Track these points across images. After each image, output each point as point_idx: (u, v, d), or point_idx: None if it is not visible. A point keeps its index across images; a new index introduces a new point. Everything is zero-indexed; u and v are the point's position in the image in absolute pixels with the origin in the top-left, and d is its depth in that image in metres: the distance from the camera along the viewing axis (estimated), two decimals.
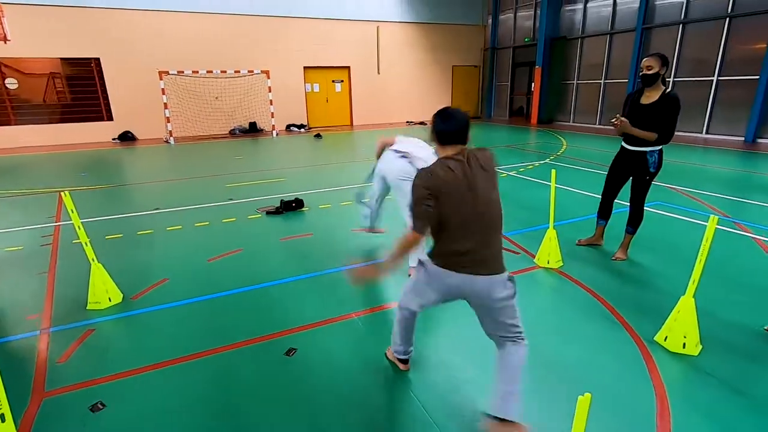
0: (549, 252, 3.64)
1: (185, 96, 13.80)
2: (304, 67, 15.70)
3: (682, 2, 11.49)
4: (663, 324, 2.59)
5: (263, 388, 2.24)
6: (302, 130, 15.56)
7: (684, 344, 2.44)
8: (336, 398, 2.16)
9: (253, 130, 14.94)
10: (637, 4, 12.53)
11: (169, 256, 4.12)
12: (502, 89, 18.90)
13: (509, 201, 5.70)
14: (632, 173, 3.65)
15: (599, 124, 14.47)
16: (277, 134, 14.22)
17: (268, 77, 13.82)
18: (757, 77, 10.00)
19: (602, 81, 14.15)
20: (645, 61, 3.36)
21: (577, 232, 4.41)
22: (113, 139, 13.26)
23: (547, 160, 8.60)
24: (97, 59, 12.79)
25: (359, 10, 16.01)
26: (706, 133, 11.35)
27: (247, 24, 14.26)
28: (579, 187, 6.31)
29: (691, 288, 2.42)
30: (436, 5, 17.29)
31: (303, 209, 5.52)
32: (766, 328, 2.65)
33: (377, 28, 16.50)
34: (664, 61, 3.32)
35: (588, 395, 1.01)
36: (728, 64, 10.70)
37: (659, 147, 3.45)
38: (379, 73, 17.09)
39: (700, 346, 2.46)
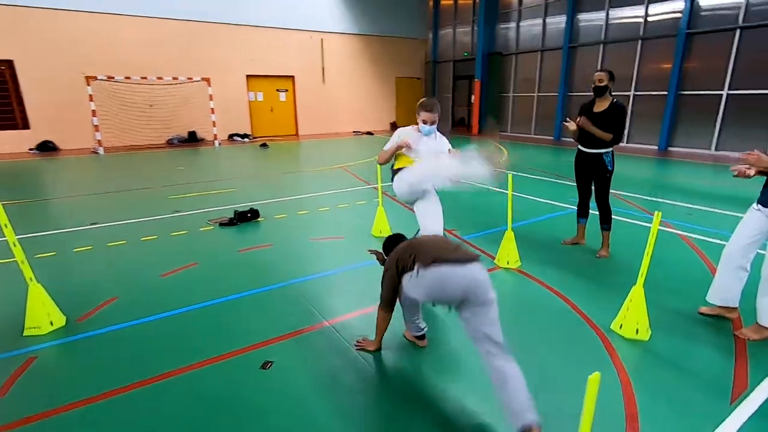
0: (508, 253, 3.83)
1: (116, 103, 12.84)
2: (247, 76, 15.28)
3: (602, 25, 12.72)
4: (617, 313, 2.83)
5: (241, 406, 2.13)
6: (246, 140, 15.08)
7: (637, 330, 2.68)
8: (325, 404, 2.11)
9: (192, 139, 14.22)
10: (563, 25, 13.67)
11: (116, 272, 3.80)
12: (444, 101, 19.61)
13: (464, 206, 5.93)
14: (593, 174, 3.99)
15: (534, 133, 15.50)
16: (219, 144, 13.65)
17: (209, 85, 13.28)
18: (666, 93, 11.29)
19: (535, 94, 15.20)
20: (597, 75, 3.74)
21: (531, 233, 4.67)
22: (30, 149, 11.99)
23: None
24: (10, 61, 11.55)
25: (303, 21, 15.94)
26: (627, 142, 12.57)
27: (185, 29, 13.63)
28: (526, 193, 6.71)
29: (641, 279, 2.67)
30: (379, 18, 17.67)
31: (259, 219, 5.35)
32: (699, 311, 2.98)
33: (321, 39, 16.51)
34: (612, 76, 3.76)
35: (597, 374, 1.08)
36: (643, 80, 11.99)
37: (611, 148, 3.84)
38: (324, 83, 17.07)
39: (650, 332, 2.71)
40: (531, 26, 15.01)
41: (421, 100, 3.31)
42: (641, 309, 2.68)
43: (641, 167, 9.34)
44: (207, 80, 13.29)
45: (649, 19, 11.60)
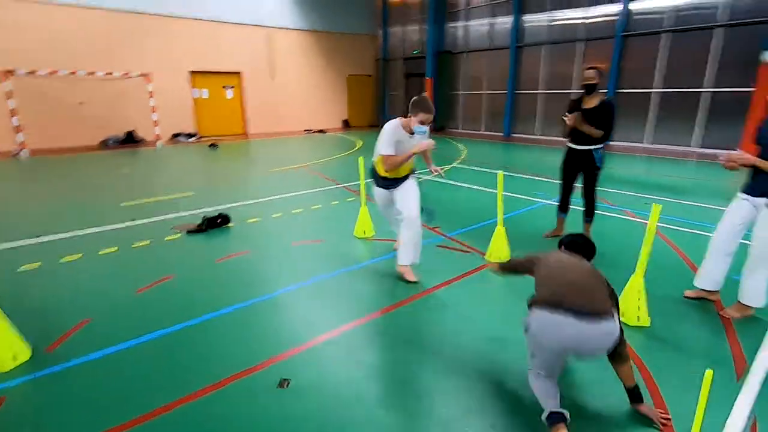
0: (499, 248, 3.88)
1: (41, 101, 11.51)
2: (191, 72, 14.36)
3: (546, 26, 13.39)
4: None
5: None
6: (192, 139, 14.18)
7: (638, 317, 2.81)
8: (358, 418, 1.98)
9: (130, 140, 13.13)
10: (510, 25, 14.22)
11: (82, 291, 3.36)
12: (395, 98, 19.73)
13: (440, 204, 5.95)
14: (582, 169, 4.12)
15: (484, 130, 16.02)
16: (162, 145, 12.70)
17: (149, 81, 12.30)
18: (606, 91, 12.12)
19: (484, 92, 15.71)
20: (587, 73, 3.86)
21: (510, 228, 4.76)
22: None
23: (454, 164, 9.21)
24: None
25: (250, 14, 15.26)
26: None
27: (121, 20, 12.51)
28: (493, 188, 6.87)
29: (640, 268, 2.80)
30: (328, 14, 17.35)
31: (229, 225, 5.01)
32: (685, 294, 3.19)
33: (269, 33, 15.91)
34: (602, 74, 3.86)
35: (710, 371, 1.08)
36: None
37: (601, 145, 3.97)
38: (273, 79, 16.48)
39: (649, 318, 2.86)
40: (479, 26, 15.47)
41: (418, 100, 3.22)
42: (641, 297, 2.81)
43: None
44: (146, 76, 12.29)
45: (589, 21, 12.38)
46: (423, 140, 3.35)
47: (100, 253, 4.15)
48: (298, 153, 11.58)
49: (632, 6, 11.38)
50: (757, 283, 2.81)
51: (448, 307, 3.08)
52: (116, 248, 4.26)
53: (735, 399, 2.12)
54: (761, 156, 2.79)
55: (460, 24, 16.04)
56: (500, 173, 3.79)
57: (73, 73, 11.35)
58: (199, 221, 4.94)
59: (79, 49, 11.86)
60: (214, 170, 9.07)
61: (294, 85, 17.07)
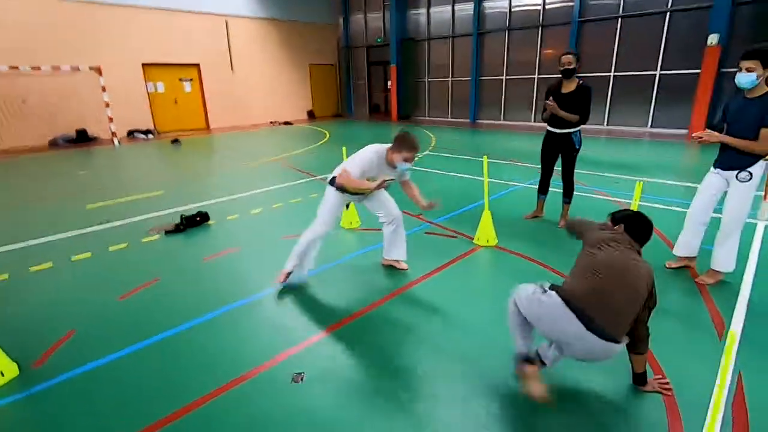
0: (486, 232, 3.98)
1: None
2: (143, 64, 13.60)
3: (506, 12, 13.63)
4: None
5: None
6: (150, 136, 13.50)
7: None
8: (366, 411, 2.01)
9: (82, 139, 12.35)
10: (471, 12, 14.37)
11: (61, 301, 3.17)
12: (359, 87, 19.56)
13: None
14: (561, 152, 4.26)
15: (451, 117, 16.22)
16: (119, 142, 12.02)
17: (101, 75, 11.55)
18: None
19: (449, 79, 15.86)
20: (565, 58, 3.96)
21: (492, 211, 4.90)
22: None
23: (427, 151, 9.29)
24: None
25: (205, 2, 14.57)
26: (534, 121, 13.77)
27: (66, 10, 11.62)
28: (468, 173, 7.01)
29: None
30: (287, 2, 16.86)
31: (209, 223, 4.85)
32: (666, 266, 3.41)
33: (226, 22, 15.29)
34: (578, 58, 3.97)
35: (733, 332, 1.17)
36: (544, 64, 13.16)
37: (579, 128, 4.11)
38: (233, 70, 15.90)
39: None
40: (441, 13, 15.52)
41: (403, 137, 3.01)
42: None
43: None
44: (98, 69, 11.54)
45: (547, 7, 12.71)
46: (404, 175, 3.22)
47: (72, 259, 3.92)
48: (267, 146, 11.30)
49: None
50: (728, 250, 3.05)
51: (443, 292, 3.15)
52: (89, 254, 4.03)
53: (720, 357, 2.30)
54: (728, 132, 2.99)
55: (422, 11, 16.03)
56: (485, 157, 3.87)
57: (14, 68, 10.48)
58: (176, 220, 4.76)
59: (20, 42, 10.94)
60: (182, 167, 8.70)
61: (255, 77, 16.56)
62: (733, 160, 2.98)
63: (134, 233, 4.56)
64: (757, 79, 2.83)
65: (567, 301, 1.80)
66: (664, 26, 10.64)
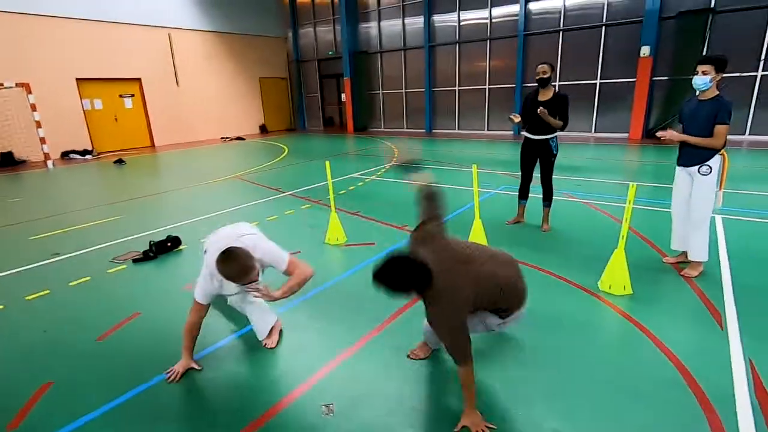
0: (478, 240, 3.99)
1: None
2: (78, 80, 12.59)
3: (455, 26, 14.12)
4: (599, 275, 3.23)
5: None
6: (88, 156, 12.46)
7: (624, 287, 3.09)
8: None
9: (9, 162, 11.17)
10: (422, 25, 14.74)
11: (28, 348, 2.74)
12: (312, 100, 19.35)
13: (398, 203, 5.97)
14: (539, 157, 4.37)
15: (407, 127, 16.44)
16: (53, 165, 10.97)
17: (29, 92, 10.51)
18: (514, 86, 13.18)
19: (404, 90, 16.11)
20: (540, 68, 4.10)
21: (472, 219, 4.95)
22: None
23: (393, 162, 9.30)
24: None
25: (145, 14, 13.82)
26: (487, 129, 14.30)
27: None
28: (443, 183, 7.06)
29: (622, 242, 3.08)
30: (234, 15, 16.42)
31: (180, 248, 4.48)
32: (664, 261, 3.59)
33: (169, 35, 14.57)
34: (553, 68, 4.13)
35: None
36: (494, 75, 13.74)
37: (556, 134, 4.26)
38: (178, 85, 15.14)
39: (630, 286, 3.16)
40: (392, 26, 15.79)
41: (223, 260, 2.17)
42: (624, 268, 3.10)
43: (505, 149, 10.75)
44: (25, 86, 10.48)
45: (494, 21, 13.33)
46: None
47: (27, 298, 3.45)
48: (224, 163, 10.79)
49: (530, 6, 12.49)
50: (700, 241, 3.28)
51: None
52: (48, 291, 3.57)
53: (728, 346, 2.43)
54: (684, 132, 3.27)
55: (372, 24, 16.22)
56: (474, 167, 3.90)
57: None
58: (141, 248, 4.36)
59: None
60: (133, 188, 8.05)
61: (203, 91, 15.87)
62: (693, 156, 3.25)
63: (95, 264, 4.11)
64: (711, 81, 3.10)
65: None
66: (600, 39, 11.51)
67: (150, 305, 3.26)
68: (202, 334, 2.53)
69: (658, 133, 3.38)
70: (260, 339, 2.67)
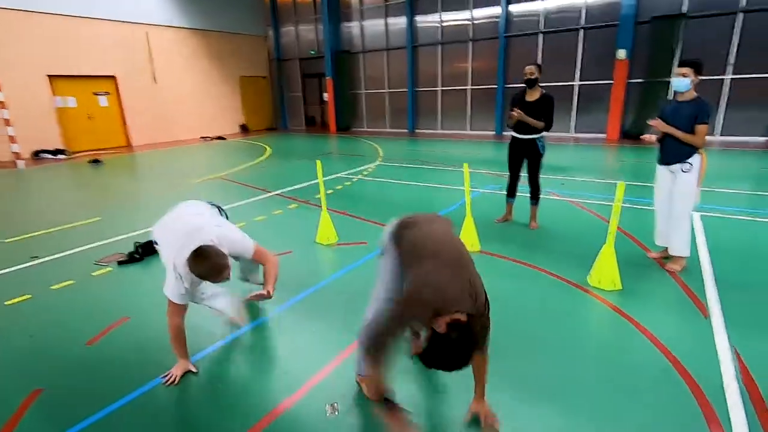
0: (469, 237, 4.04)
1: None
2: (50, 76, 12.13)
3: (438, 27, 14.23)
4: (587, 270, 3.32)
5: None
6: (61, 156, 12.02)
7: (613, 282, 3.18)
8: None
9: None
10: (404, 25, 14.79)
11: (13, 353, 2.63)
12: (294, 100, 19.17)
13: (386, 201, 5.98)
14: (527, 157, 4.45)
15: (389, 127, 16.48)
16: (24, 165, 10.53)
17: None
18: (496, 86, 13.37)
19: (386, 90, 16.14)
20: (527, 69, 4.18)
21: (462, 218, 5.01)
22: None
23: (377, 162, 9.31)
24: None
25: (120, 9, 13.41)
26: (470, 129, 14.47)
27: None
28: (426, 182, 7.13)
29: (610, 239, 3.17)
30: (213, 12, 16.11)
31: None
32: (648, 255, 3.71)
33: (147, 32, 14.19)
34: (540, 69, 4.20)
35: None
36: (476, 76, 13.91)
37: (542, 134, 4.33)
38: (156, 83, 14.76)
39: (620, 282, 3.25)
40: (374, 26, 15.79)
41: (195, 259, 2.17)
42: (613, 264, 3.19)
43: (489, 149, 10.91)
44: None
45: (476, 23, 13.49)
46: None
47: (7, 303, 3.30)
48: (205, 163, 10.58)
49: (511, 8, 12.70)
50: (682, 236, 3.41)
51: None
52: (30, 295, 3.43)
53: (713, 335, 2.54)
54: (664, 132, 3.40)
55: (355, 24, 16.19)
56: (465, 165, 3.94)
57: None
58: (125, 249, 4.25)
59: None
60: (112, 189, 7.81)
61: (181, 89, 15.52)
62: (675, 155, 3.39)
63: (78, 267, 3.98)
64: (690, 83, 3.23)
65: None
66: (578, 42, 11.80)
67: (139, 308, 3.18)
68: (197, 337, 2.48)
69: (649, 121, 3.50)
70: (233, 318, 2.72)
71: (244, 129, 18.03)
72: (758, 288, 3.12)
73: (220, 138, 15.84)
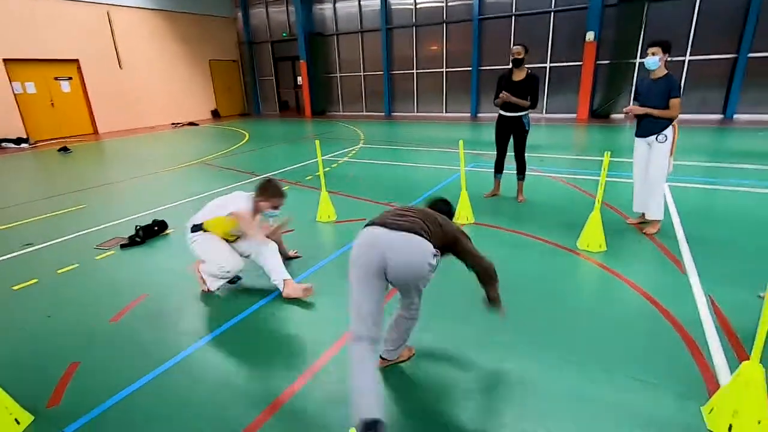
0: (465, 210, 4.28)
1: None
2: (5, 60, 11.44)
3: (412, 8, 14.26)
4: (576, 236, 3.63)
5: None
6: (24, 145, 11.46)
7: (600, 244, 3.50)
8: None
9: None
10: (378, 7, 14.72)
11: (33, 335, 2.66)
12: (266, 84, 18.80)
13: (380, 182, 6.13)
14: (513, 133, 4.68)
15: (365, 111, 16.49)
16: None
17: None
18: (470, 69, 13.61)
19: (362, 73, 16.09)
20: (514, 49, 4.37)
21: (455, 193, 5.24)
22: None
23: (360, 145, 9.41)
24: None
25: None
26: (446, 112, 14.71)
27: None
28: (414, 162, 7.32)
29: (597, 206, 3.48)
30: None
31: (167, 232, 4.40)
32: (627, 221, 4.05)
33: (108, 12, 13.52)
34: (527, 50, 4.40)
35: None
36: (451, 58, 14.09)
37: (528, 112, 4.57)
38: (121, 67, 14.15)
39: (605, 244, 3.57)
40: (348, 8, 15.62)
41: (268, 185, 3.02)
42: (599, 228, 3.50)
43: (466, 130, 11.20)
44: None
45: (449, 5, 13.60)
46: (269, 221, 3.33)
47: (14, 288, 3.29)
48: (183, 148, 10.35)
49: None
50: (657, 201, 3.77)
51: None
52: (34, 280, 3.42)
53: (689, 282, 2.89)
54: (642, 106, 3.71)
55: (327, 5, 15.95)
56: (461, 142, 4.15)
57: None
58: (120, 234, 4.25)
59: None
60: (90, 177, 7.57)
61: (148, 74, 14.95)
62: (651, 128, 3.72)
63: (79, 252, 3.96)
64: (659, 61, 3.55)
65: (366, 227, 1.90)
66: (550, 24, 12.15)
67: (157, 286, 3.24)
68: (201, 321, 2.60)
69: (624, 108, 3.81)
70: (274, 280, 2.99)
71: (216, 115, 17.60)
72: (720, 244, 3.51)
73: (191, 124, 15.43)
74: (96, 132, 13.77)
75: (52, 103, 12.75)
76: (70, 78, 13.06)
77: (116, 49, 13.94)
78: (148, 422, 1.94)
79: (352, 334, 1.76)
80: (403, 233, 1.78)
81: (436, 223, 1.92)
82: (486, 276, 2.03)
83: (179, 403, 2.04)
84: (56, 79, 12.76)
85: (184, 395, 2.09)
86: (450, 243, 1.96)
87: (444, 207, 2.23)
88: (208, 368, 2.29)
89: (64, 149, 10.28)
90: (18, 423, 1.90)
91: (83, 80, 13.25)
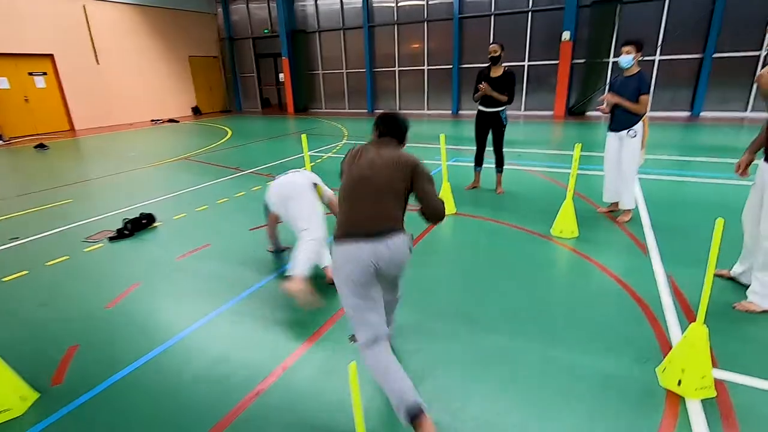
0: (447, 201, 4.47)
1: None
2: None
3: (393, 7, 14.41)
4: (550, 223, 3.87)
5: None
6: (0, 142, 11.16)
7: (572, 231, 3.74)
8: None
9: None
10: (360, 4, 14.81)
11: (29, 322, 2.72)
12: (248, 81, 18.67)
13: None
14: (491, 128, 4.89)
15: (348, 108, 16.58)
16: None
17: None
18: (451, 66, 13.86)
19: (344, 71, 16.16)
20: (492, 47, 4.59)
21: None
22: None
23: (344, 141, 9.53)
24: None
25: None
26: (428, 109, 14.94)
27: None
28: None
29: (569, 193, 3.71)
30: None
31: (155, 225, 4.46)
32: (598, 211, 4.31)
33: (83, 6, 13.24)
34: (503, 48, 4.62)
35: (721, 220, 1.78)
36: (432, 56, 14.30)
37: (505, 107, 4.79)
38: (98, 63, 13.88)
39: (577, 230, 3.82)
40: (330, 5, 15.66)
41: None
42: (572, 216, 3.74)
43: (447, 127, 11.45)
44: None
45: (430, 3, 13.80)
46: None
47: (4, 280, 3.33)
48: (164, 145, 10.27)
49: None
50: (629, 192, 4.03)
51: (437, 248, 3.55)
52: (27, 271, 3.46)
53: (651, 265, 3.14)
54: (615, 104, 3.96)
55: (310, 2, 15.95)
56: (442, 136, 4.34)
57: None
58: (107, 228, 4.29)
59: None
60: (72, 173, 7.47)
61: (127, 70, 14.69)
62: (622, 123, 3.97)
63: (67, 245, 4.00)
64: (633, 60, 3.80)
65: (338, 240, 1.82)
66: (527, 24, 12.49)
67: (149, 275, 3.33)
68: (195, 305, 2.71)
69: (603, 97, 4.04)
70: (290, 268, 2.88)
71: (197, 111, 17.40)
72: (683, 230, 3.80)
73: (172, 121, 15.24)
74: (72, 129, 13.48)
75: (27, 99, 12.43)
76: (45, 73, 12.74)
77: (93, 45, 13.66)
78: (151, 397, 2.05)
79: (363, 342, 1.77)
80: (386, 240, 1.76)
81: (406, 178, 1.87)
82: (434, 218, 1.94)
83: (178, 380, 2.17)
84: (30, 74, 12.44)
85: (184, 371, 2.22)
86: (416, 190, 1.92)
87: (399, 128, 2.08)
88: (206, 347, 2.41)
89: (41, 146, 10.07)
90: (24, 400, 1.99)
91: (58, 76, 12.95)
